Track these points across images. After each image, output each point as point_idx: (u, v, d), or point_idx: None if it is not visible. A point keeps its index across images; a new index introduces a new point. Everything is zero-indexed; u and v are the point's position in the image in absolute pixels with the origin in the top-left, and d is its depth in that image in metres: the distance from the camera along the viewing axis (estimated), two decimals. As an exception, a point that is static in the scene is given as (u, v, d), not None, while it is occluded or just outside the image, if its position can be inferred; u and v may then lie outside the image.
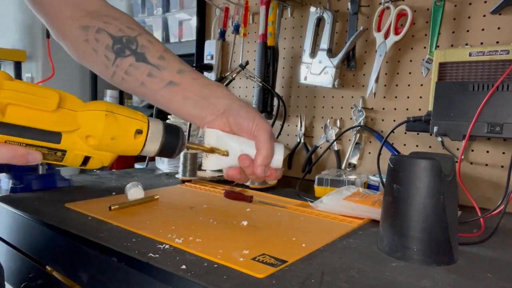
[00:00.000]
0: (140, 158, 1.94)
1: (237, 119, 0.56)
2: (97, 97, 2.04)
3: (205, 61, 1.36)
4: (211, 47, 1.35)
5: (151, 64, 0.57)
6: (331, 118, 1.11)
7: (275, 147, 0.57)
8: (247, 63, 1.15)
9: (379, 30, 0.97)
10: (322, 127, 1.13)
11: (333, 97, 1.11)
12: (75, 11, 0.60)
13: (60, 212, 0.68)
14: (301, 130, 1.16)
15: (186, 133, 0.85)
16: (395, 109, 1.00)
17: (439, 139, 0.87)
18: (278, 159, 0.57)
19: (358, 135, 1.05)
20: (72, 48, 0.62)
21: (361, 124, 1.03)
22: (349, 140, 1.07)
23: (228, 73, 1.16)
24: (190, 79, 0.58)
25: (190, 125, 1.09)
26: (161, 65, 0.58)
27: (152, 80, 0.57)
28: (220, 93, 0.58)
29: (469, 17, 0.89)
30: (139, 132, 0.49)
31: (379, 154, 0.89)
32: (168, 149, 0.52)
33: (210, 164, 0.58)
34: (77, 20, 0.60)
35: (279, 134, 1.05)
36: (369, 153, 1.05)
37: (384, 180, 0.85)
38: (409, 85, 0.98)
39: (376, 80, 0.97)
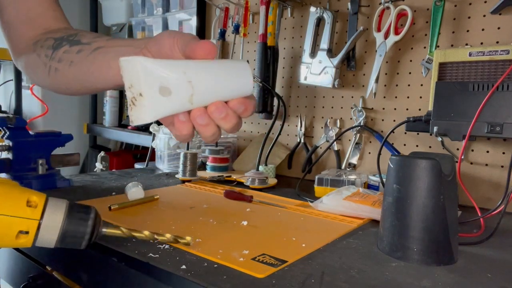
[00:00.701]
0: (140, 158, 1.94)
1: (157, 41, 0.44)
2: (96, 97, 2.04)
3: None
4: (211, 47, 1.34)
5: (83, 43, 0.52)
6: (331, 118, 1.11)
7: (235, 64, 0.42)
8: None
9: (379, 30, 0.97)
10: (322, 127, 1.13)
11: (333, 97, 1.11)
12: (36, 31, 0.60)
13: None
14: (301, 130, 1.16)
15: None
16: (395, 109, 1.00)
17: (439, 139, 0.87)
18: (244, 82, 0.41)
19: (358, 135, 1.05)
20: (24, 64, 0.61)
21: (361, 124, 1.03)
22: (349, 140, 1.07)
23: (228, 73, 1.16)
24: (117, 40, 0.51)
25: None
26: (93, 41, 0.52)
27: (81, 54, 0.51)
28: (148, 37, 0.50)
29: (469, 17, 0.89)
30: (24, 232, 0.43)
31: (379, 154, 0.89)
32: (72, 241, 0.45)
33: (143, 113, 0.38)
34: (34, 38, 0.59)
35: (279, 134, 1.05)
36: (369, 153, 1.05)
37: (384, 180, 0.85)
38: (409, 85, 0.98)
39: (376, 80, 0.97)
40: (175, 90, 0.37)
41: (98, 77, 0.50)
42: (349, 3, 1.02)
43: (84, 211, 0.46)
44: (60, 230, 0.43)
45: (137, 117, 0.38)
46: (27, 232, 0.42)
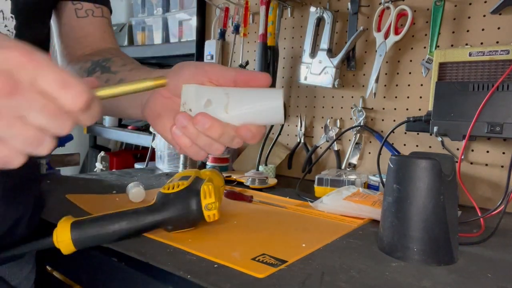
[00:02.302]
0: (140, 158, 1.94)
1: (176, 73, 0.46)
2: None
3: (205, 61, 1.36)
4: (211, 47, 1.35)
5: (111, 72, 0.55)
6: (331, 118, 1.11)
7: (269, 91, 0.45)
8: (247, 63, 1.15)
9: (379, 30, 0.97)
10: (322, 127, 1.13)
11: (333, 97, 1.11)
12: (83, 50, 0.63)
13: (60, 211, 0.68)
14: (301, 130, 1.16)
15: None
16: (395, 109, 1.00)
17: (439, 139, 0.87)
18: (275, 106, 0.43)
19: (358, 135, 1.05)
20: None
21: (361, 124, 1.03)
22: (349, 140, 1.07)
23: (228, 73, 1.16)
24: (136, 71, 0.53)
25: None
26: (119, 70, 0.55)
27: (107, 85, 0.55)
28: (160, 71, 0.52)
29: (469, 17, 0.89)
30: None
31: (379, 154, 0.89)
32: None
33: None
34: (79, 59, 0.62)
35: (279, 134, 1.06)
36: (369, 153, 1.05)
37: (384, 180, 0.85)
38: (409, 85, 0.98)
39: (376, 80, 0.97)
40: (214, 100, 0.45)
41: (130, 113, 0.54)
42: (349, 3, 1.02)
43: None
44: None
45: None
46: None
